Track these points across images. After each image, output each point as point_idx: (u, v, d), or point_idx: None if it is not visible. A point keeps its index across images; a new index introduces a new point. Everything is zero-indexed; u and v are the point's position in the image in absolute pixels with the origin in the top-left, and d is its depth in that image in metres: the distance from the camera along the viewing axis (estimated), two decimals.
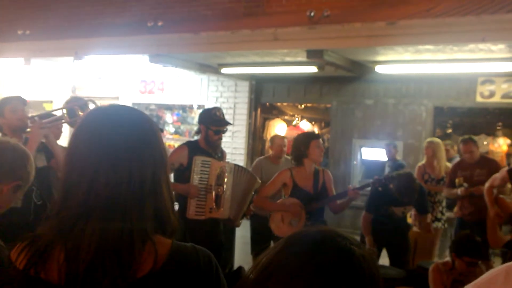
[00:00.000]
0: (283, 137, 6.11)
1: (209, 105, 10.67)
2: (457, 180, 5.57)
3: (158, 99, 11.62)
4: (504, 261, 4.30)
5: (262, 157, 6.28)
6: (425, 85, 8.79)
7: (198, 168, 4.05)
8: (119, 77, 11.57)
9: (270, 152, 6.03)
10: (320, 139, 4.22)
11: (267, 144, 11.00)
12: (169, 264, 1.15)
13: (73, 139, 1.22)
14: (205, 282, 1.19)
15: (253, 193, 4.38)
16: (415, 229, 5.48)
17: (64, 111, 3.71)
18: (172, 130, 11.70)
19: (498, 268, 0.74)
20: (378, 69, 7.94)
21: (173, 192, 5.33)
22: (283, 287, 0.89)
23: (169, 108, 11.93)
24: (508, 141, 9.13)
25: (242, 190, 4.28)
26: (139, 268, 1.12)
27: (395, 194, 4.60)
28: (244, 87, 10.55)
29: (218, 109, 4.29)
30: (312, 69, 8.13)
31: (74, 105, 3.69)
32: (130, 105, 12.01)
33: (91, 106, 3.62)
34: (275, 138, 6.08)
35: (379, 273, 0.93)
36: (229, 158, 9.02)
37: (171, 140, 11.23)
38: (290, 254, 0.92)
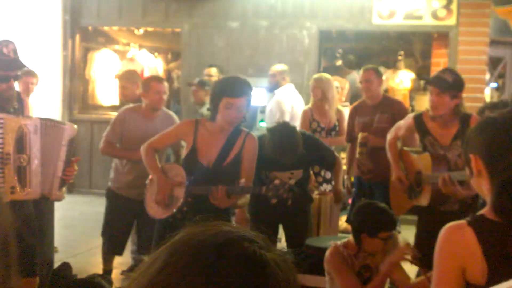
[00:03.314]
0: (162, 79, 5.88)
1: None
2: (360, 135, 5.64)
3: None
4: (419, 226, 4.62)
5: (131, 106, 5.86)
6: (307, 2, 9.01)
7: None
8: None
9: (144, 101, 5.61)
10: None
11: (91, 84, 10.58)
12: None
13: None
14: None
15: (65, 148, 4.15)
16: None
17: None
18: None
19: None
20: None
21: None
22: None
23: None
24: (413, 75, 9.52)
25: (56, 152, 4.11)
26: None
27: (273, 155, 4.48)
28: (55, 4, 10.09)
29: (7, 43, 3.94)
30: None
31: None
32: None
33: None
34: (150, 81, 5.69)
35: (295, 277, 0.98)
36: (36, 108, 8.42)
37: None
38: (184, 272, 0.91)
